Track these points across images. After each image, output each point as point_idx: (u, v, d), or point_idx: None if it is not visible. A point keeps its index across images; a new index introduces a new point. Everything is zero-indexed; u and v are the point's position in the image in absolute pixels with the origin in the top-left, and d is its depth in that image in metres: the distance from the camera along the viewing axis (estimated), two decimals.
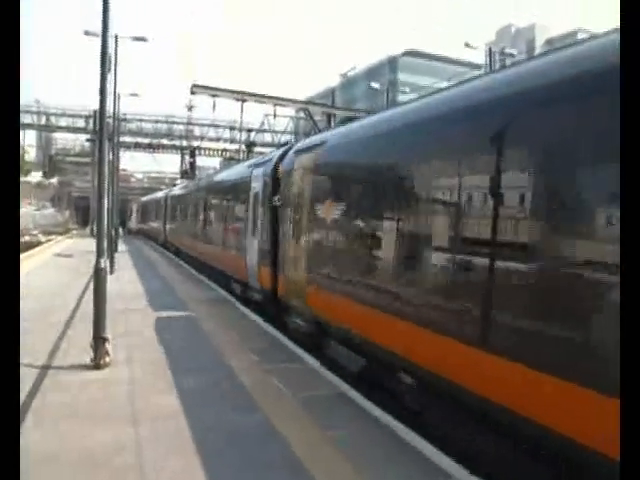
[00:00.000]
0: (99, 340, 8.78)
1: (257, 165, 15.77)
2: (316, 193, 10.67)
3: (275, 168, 13.51)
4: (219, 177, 24.14)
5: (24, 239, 45.03)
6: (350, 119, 12.29)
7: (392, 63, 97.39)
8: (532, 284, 5.25)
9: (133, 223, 67.75)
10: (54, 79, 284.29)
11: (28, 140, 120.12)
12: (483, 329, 5.74)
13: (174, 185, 53.02)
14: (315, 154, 11.09)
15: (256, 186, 15.02)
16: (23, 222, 67.11)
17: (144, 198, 61.14)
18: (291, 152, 12.82)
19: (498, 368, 5.32)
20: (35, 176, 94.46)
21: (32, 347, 9.71)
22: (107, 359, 8.78)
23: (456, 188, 6.44)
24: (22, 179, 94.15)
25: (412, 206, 7.43)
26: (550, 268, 5.08)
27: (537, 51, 70.62)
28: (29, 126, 62.93)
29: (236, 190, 17.97)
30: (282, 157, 13.42)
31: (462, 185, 6.36)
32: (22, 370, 8.28)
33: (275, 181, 13.30)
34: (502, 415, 5.30)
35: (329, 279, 9.57)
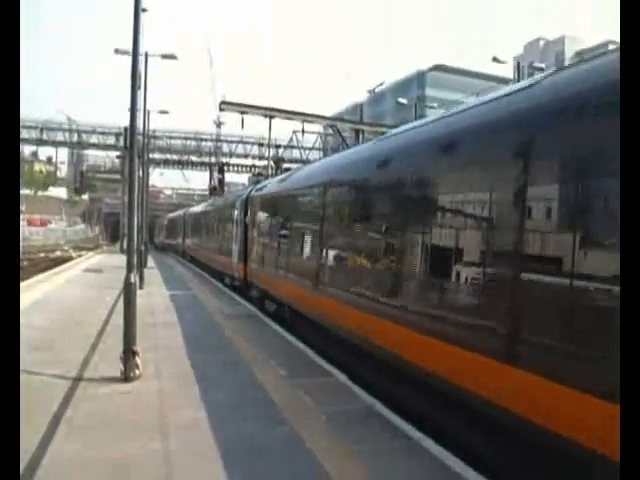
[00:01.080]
0: (129, 353, 8.87)
1: (239, 195, 23.48)
2: (259, 215, 18.86)
3: (247, 198, 20.69)
4: (218, 202, 32.21)
5: (56, 254, 45.86)
6: (287, 169, 23.62)
7: (420, 78, 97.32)
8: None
9: (160, 238, 68.89)
10: (85, 97, 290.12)
11: (60, 157, 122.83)
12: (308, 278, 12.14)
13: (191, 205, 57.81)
14: (261, 191, 19.22)
15: (237, 210, 22.13)
16: (54, 237, 68.46)
17: (169, 216, 63.54)
18: (254, 189, 20.76)
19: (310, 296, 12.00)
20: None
21: (64, 359, 9.91)
22: (137, 372, 8.86)
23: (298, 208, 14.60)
24: (52, 195, 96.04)
25: (297, 221, 14.15)
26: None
27: (567, 63, 69.89)
28: (61, 144, 64.22)
29: (227, 212, 25.28)
30: (251, 191, 20.93)
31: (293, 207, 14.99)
32: (55, 381, 8.52)
33: (246, 207, 20.57)
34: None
35: (265, 266, 17.12)
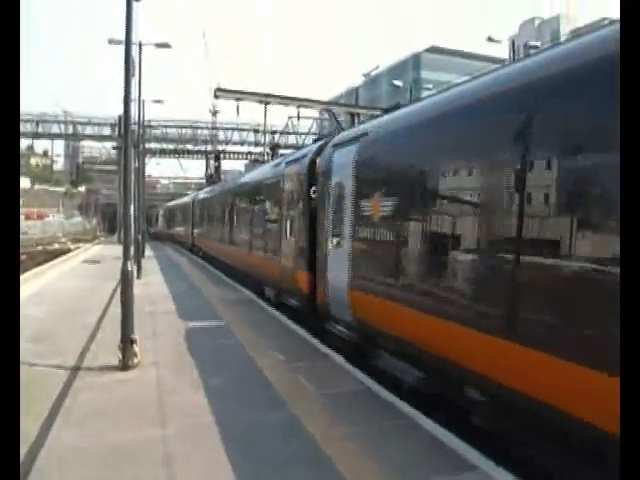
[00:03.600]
0: (127, 341, 8.88)
1: (191, 198, 40.76)
2: (197, 210, 36.27)
3: (193, 200, 38.62)
4: (184, 200, 49.24)
5: (54, 247, 45.80)
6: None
7: (415, 60, 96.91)
8: None
9: (157, 228, 69.33)
10: (80, 88, 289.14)
11: (56, 150, 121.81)
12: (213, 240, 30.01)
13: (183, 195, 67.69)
14: (199, 197, 37.65)
15: (191, 206, 38.63)
16: (52, 230, 68.30)
17: (161, 209, 66.88)
18: (199, 194, 39.56)
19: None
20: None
21: (63, 349, 9.92)
22: (135, 360, 8.87)
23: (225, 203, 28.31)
24: (51, 188, 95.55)
25: (209, 214, 31.26)
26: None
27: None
28: (57, 136, 63.99)
29: (185, 207, 42.91)
30: (196, 196, 39.35)
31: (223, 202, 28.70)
32: (54, 371, 8.54)
33: (193, 205, 37.93)
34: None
35: (199, 237, 35.08)
